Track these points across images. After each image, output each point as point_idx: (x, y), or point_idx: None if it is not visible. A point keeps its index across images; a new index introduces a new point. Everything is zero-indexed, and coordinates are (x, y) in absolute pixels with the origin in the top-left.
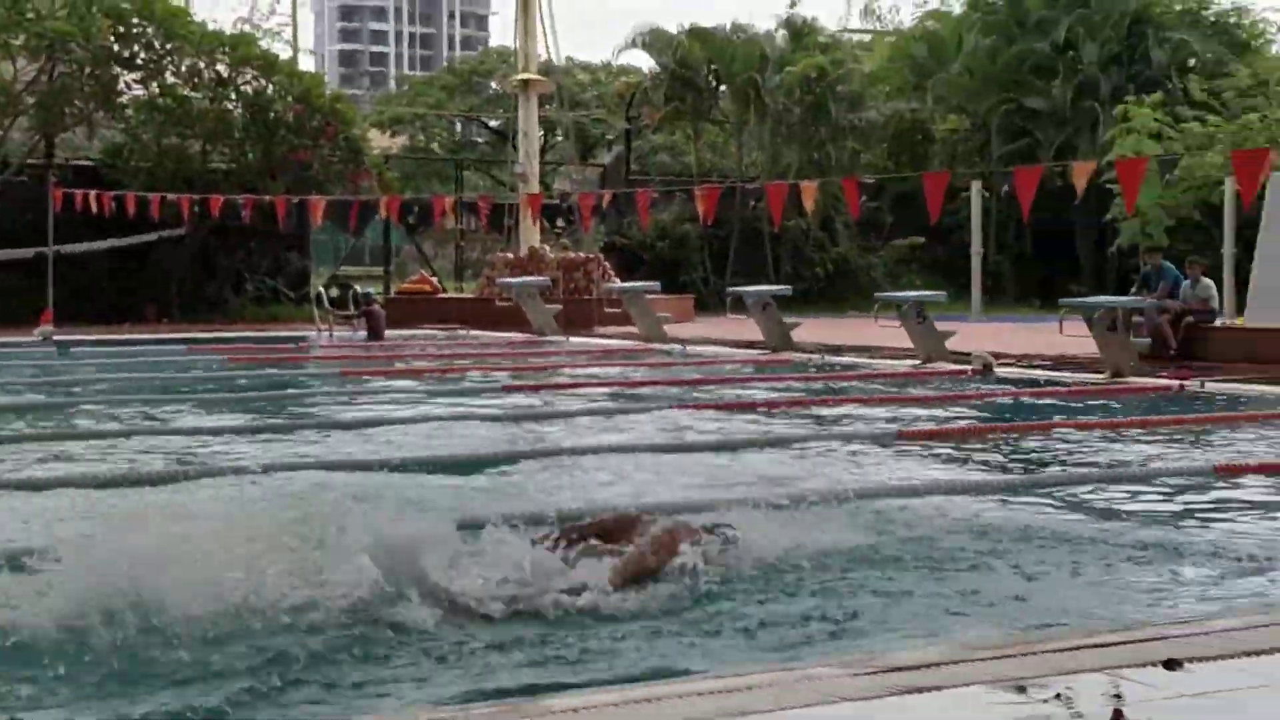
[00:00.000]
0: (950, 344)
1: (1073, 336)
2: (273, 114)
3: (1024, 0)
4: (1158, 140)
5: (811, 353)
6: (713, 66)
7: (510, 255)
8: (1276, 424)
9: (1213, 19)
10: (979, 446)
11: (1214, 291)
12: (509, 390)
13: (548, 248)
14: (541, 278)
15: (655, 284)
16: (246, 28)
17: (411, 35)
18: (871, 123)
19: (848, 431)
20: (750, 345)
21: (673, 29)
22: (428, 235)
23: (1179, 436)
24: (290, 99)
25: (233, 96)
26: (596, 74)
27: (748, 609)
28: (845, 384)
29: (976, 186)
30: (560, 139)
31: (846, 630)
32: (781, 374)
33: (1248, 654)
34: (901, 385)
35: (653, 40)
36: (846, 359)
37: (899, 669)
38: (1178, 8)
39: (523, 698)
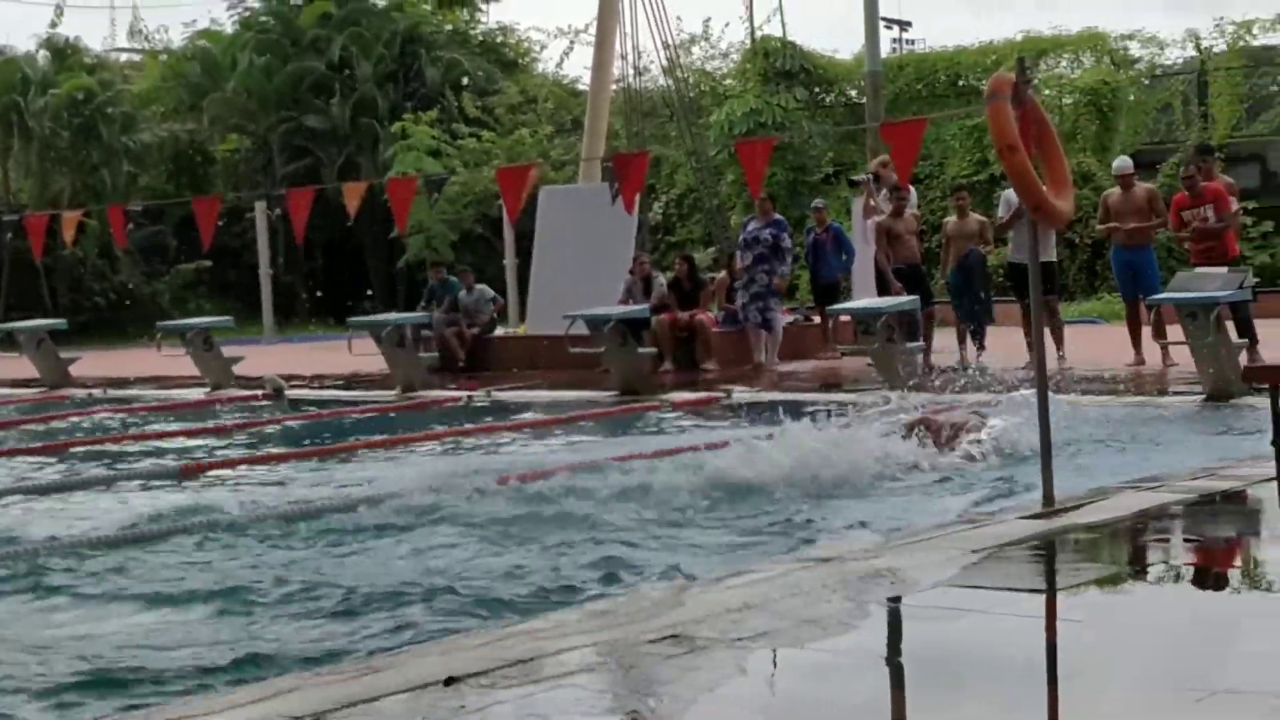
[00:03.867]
0: (241, 368)
1: (363, 355)
2: None
3: (297, 20)
4: (437, 157)
5: (92, 388)
6: None
7: None
8: (566, 427)
9: (480, 38)
10: (265, 474)
11: (491, 294)
12: None
13: None
14: None
15: None
16: None
17: None
18: (147, 145)
19: (132, 469)
20: (25, 384)
21: None
22: None
23: (467, 446)
24: None
25: None
26: None
27: None
28: (129, 419)
29: (260, 207)
30: None
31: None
32: (59, 412)
33: (522, 662)
34: (189, 416)
35: None
36: (131, 391)
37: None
38: (448, 28)
39: None
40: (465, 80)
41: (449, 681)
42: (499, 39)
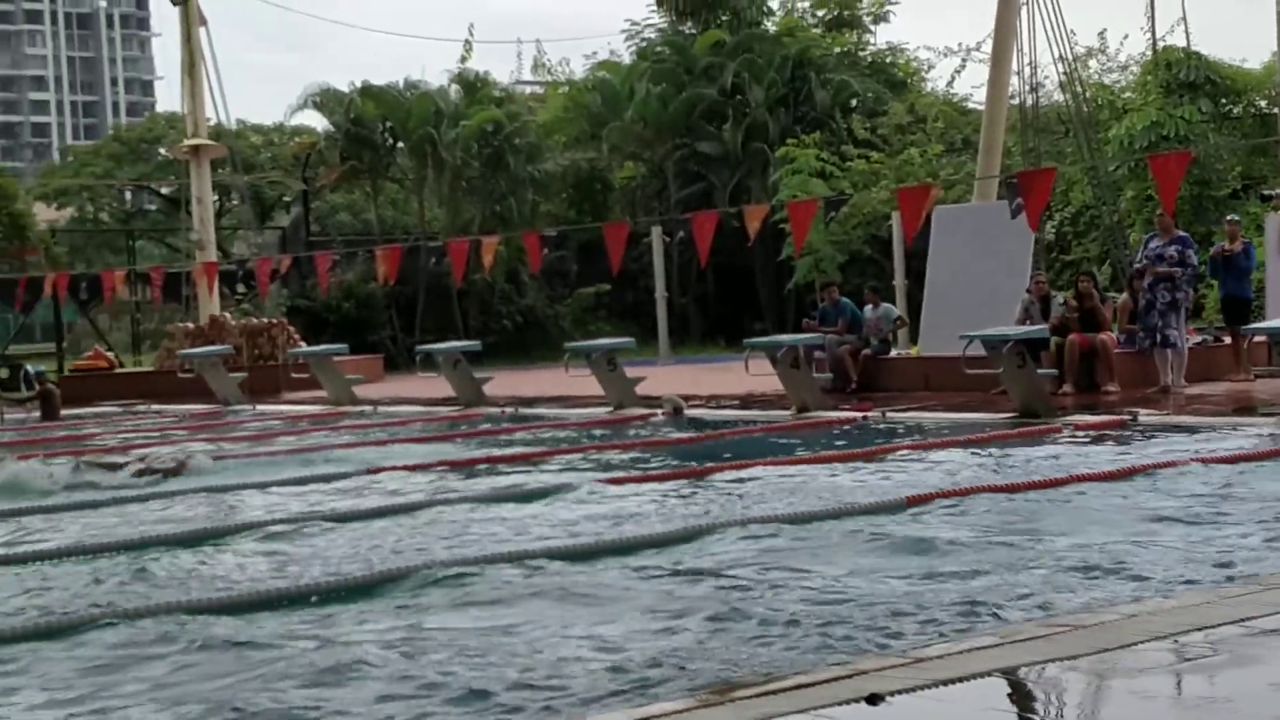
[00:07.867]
0: (640, 389)
1: (758, 375)
2: None
3: (691, 48)
4: (824, 179)
5: (504, 406)
6: (388, 123)
7: (190, 325)
8: (956, 448)
9: (870, 59)
10: (681, 489)
11: (896, 313)
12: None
13: (229, 315)
14: (223, 346)
15: (342, 346)
16: None
17: (74, 104)
18: (550, 173)
19: (550, 483)
20: (443, 402)
21: (344, 88)
22: (101, 309)
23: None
24: None
25: None
26: (270, 135)
27: None
28: (539, 435)
29: (657, 232)
30: (236, 203)
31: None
32: (475, 429)
33: (944, 683)
34: (595, 433)
35: (325, 100)
36: (539, 410)
37: None
38: (837, 50)
39: None
40: (854, 102)
41: (871, 699)
42: (888, 59)
